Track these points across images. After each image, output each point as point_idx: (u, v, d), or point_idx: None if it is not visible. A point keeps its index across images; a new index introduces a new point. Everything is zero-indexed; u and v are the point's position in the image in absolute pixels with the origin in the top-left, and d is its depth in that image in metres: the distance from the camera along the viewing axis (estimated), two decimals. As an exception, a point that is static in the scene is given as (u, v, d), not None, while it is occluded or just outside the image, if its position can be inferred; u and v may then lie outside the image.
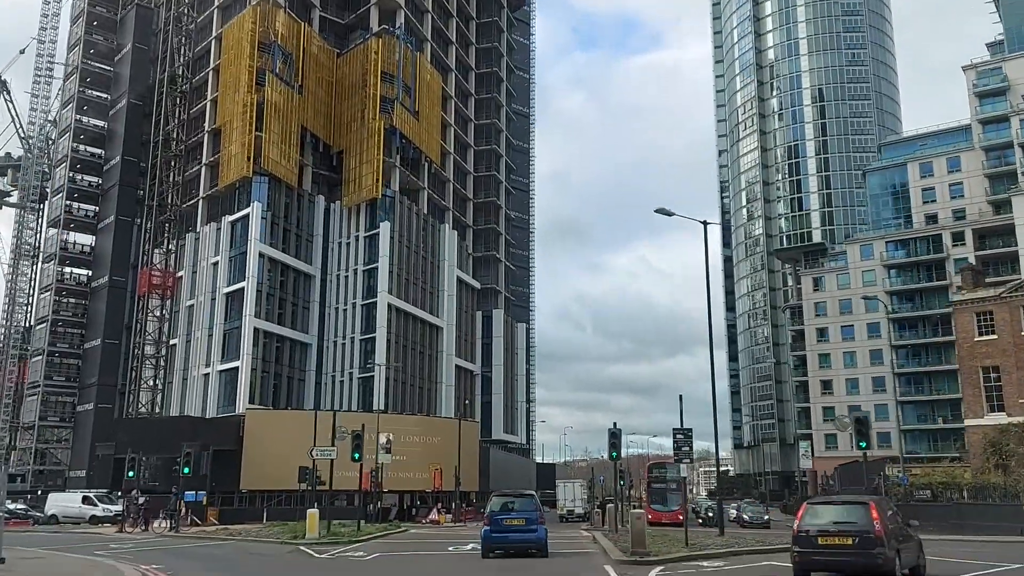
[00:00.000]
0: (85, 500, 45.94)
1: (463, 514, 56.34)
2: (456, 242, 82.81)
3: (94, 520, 44.70)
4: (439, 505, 51.85)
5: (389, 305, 68.93)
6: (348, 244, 72.23)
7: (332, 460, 30.20)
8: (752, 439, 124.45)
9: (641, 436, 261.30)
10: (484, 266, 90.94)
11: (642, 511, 23.29)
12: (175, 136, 72.08)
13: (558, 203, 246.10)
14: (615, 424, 27.87)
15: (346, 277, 71.41)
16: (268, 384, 64.88)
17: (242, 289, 63.66)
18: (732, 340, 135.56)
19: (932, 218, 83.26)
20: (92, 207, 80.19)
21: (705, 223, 25.70)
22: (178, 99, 72.57)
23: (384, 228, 69.78)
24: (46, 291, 77.06)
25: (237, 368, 62.16)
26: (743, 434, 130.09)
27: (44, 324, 75.94)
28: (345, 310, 70.70)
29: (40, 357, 75.11)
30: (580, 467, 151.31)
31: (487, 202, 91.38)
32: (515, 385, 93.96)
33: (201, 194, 71.53)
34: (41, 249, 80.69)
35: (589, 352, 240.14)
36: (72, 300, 78.78)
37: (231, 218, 67.24)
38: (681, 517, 51.95)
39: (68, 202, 78.75)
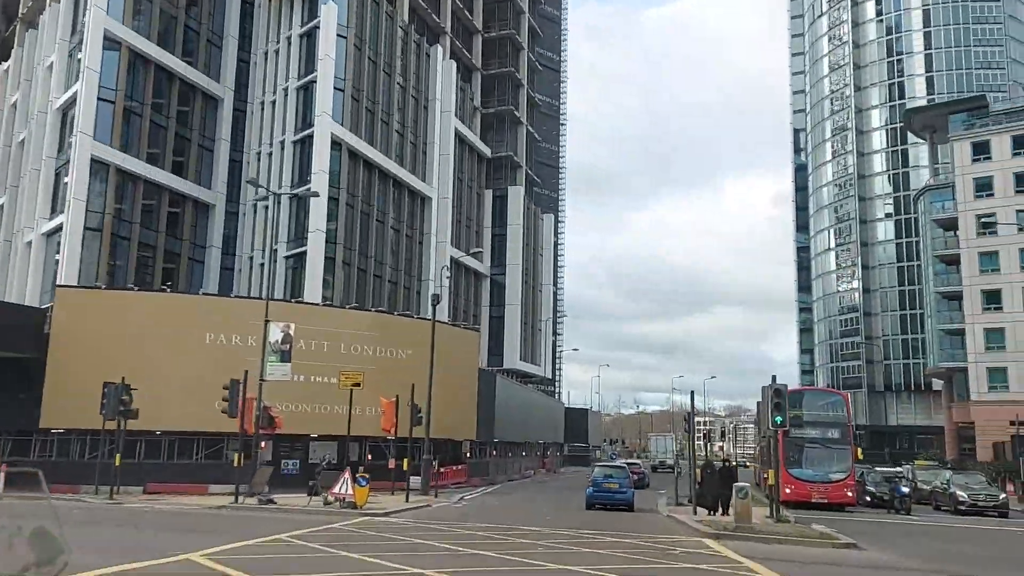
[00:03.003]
0: None
1: (441, 476, 30.70)
2: (455, 81, 55.87)
3: None
4: (360, 468, 24.87)
5: (335, 140, 42.45)
6: (276, 52, 45.54)
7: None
8: (830, 386, 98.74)
9: (657, 394, 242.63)
10: (497, 129, 64.11)
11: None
12: None
13: (570, 155, 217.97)
14: None
15: (271, 103, 44.86)
16: (129, 259, 38.94)
17: (76, 96, 37.34)
18: (803, 267, 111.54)
19: None
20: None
21: None
22: None
23: (328, 13, 42.78)
24: None
25: (61, 226, 36.04)
26: (816, 381, 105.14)
27: None
28: (270, 153, 44.24)
29: None
30: (606, 420, 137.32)
31: (503, 37, 64.16)
32: (537, 298, 67.52)
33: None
34: None
35: (606, 310, 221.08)
36: None
37: (69, -14, 40.68)
38: (850, 494, 28.48)
39: None
